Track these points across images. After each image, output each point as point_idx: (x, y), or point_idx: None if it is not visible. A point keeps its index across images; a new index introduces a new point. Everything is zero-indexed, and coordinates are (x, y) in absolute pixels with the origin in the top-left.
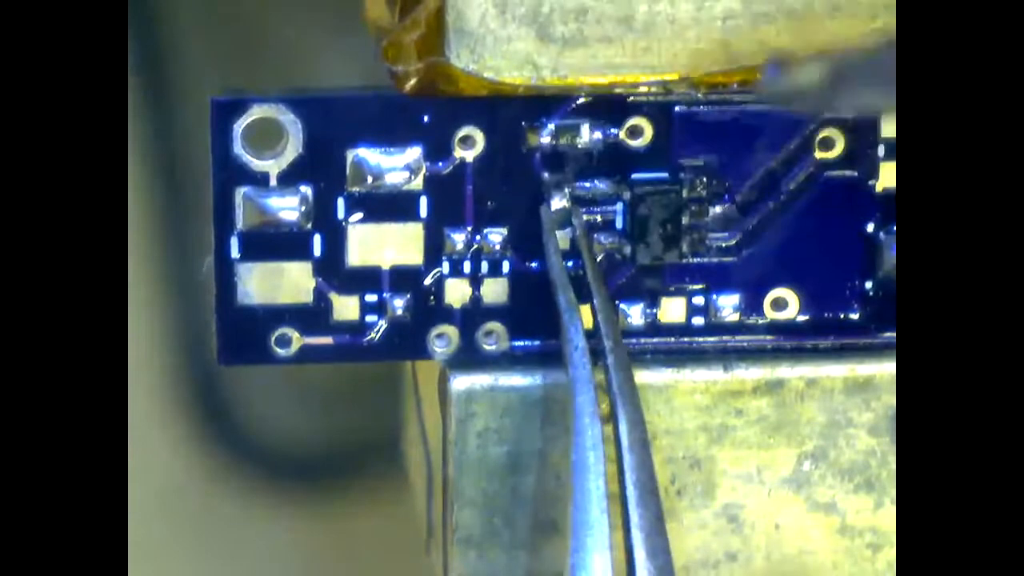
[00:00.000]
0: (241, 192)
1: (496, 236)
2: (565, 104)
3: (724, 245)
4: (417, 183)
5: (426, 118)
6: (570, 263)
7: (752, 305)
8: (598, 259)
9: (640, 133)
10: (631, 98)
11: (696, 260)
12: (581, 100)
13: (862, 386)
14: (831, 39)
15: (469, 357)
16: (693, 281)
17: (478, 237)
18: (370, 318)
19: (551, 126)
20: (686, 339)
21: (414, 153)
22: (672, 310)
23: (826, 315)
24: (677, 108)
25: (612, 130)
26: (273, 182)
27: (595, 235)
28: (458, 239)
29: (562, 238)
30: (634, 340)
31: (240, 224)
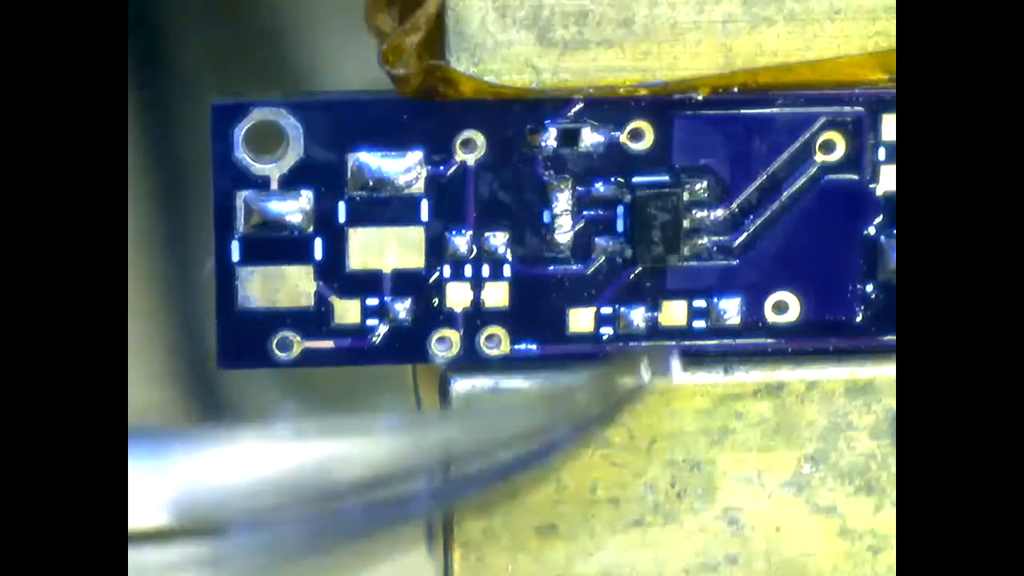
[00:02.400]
0: (242, 196)
1: (497, 239)
2: (566, 107)
3: (725, 248)
4: (418, 186)
5: (427, 121)
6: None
7: (753, 308)
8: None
9: (641, 136)
10: (632, 101)
11: (697, 263)
12: (581, 103)
13: (862, 389)
14: (831, 42)
15: (470, 361)
16: (694, 284)
17: (479, 240)
18: (371, 322)
19: (552, 129)
20: (687, 342)
21: (415, 156)
22: (673, 313)
23: (827, 318)
24: (678, 111)
25: (613, 133)
26: (274, 186)
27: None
28: (459, 242)
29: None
30: (635, 343)
31: (241, 228)
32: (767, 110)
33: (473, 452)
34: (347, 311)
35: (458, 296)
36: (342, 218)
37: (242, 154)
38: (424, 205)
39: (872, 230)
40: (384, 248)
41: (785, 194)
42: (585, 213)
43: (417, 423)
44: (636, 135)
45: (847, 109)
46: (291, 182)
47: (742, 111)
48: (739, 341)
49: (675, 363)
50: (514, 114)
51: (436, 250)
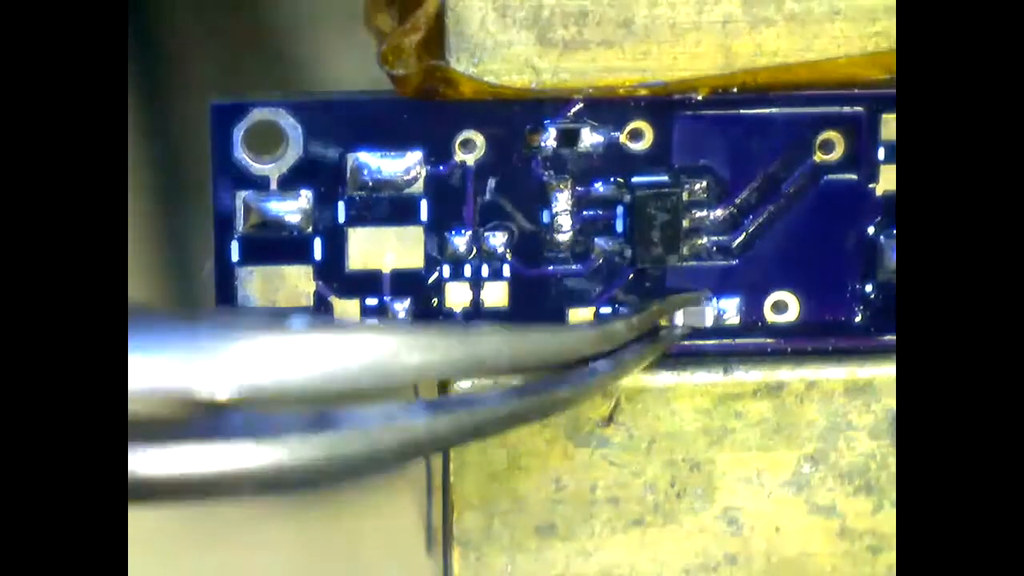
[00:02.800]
0: (241, 196)
1: (497, 239)
2: (565, 107)
3: (724, 248)
4: (418, 186)
5: (426, 122)
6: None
7: (752, 308)
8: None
9: (641, 136)
10: (631, 101)
11: (696, 263)
12: (581, 103)
13: (862, 389)
14: (831, 42)
15: None
16: (693, 284)
17: (479, 240)
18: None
19: (551, 129)
20: (686, 342)
21: (414, 157)
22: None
23: (826, 318)
24: (677, 111)
25: (613, 133)
26: (273, 186)
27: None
28: (459, 242)
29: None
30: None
31: (240, 228)
32: (767, 110)
33: (515, 365)
34: (346, 311)
35: (457, 296)
36: (341, 218)
37: (241, 154)
38: (423, 205)
39: (871, 230)
40: (383, 248)
41: (784, 194)
42: (584, 213)
43: (470, 331)
44: (636, 135)
45: (846, 109)
46: (290, 182)
47: (742, 111)
48: (738, 341)
49: (707, 309)
50: (514, 114)
51: (435, 250)
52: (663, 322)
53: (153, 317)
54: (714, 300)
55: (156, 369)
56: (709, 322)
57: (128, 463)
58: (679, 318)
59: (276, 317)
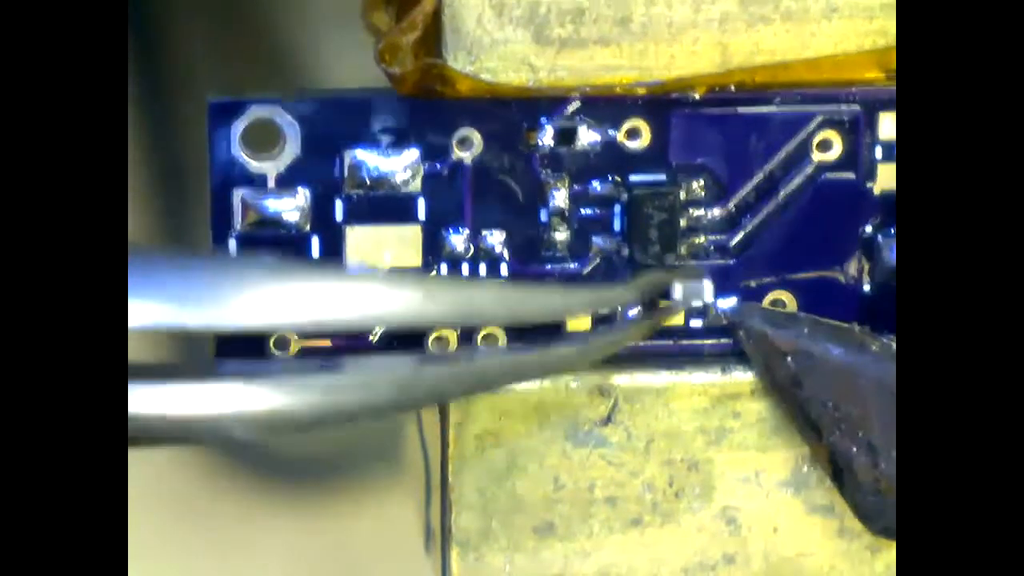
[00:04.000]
0: (239, 194)
1: (494, 238)
2: (562, 106)
3: (722, 247)
4: (415, 185)
5: (423, 120)
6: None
7: None
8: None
9: (638, 135)
10: (629, 100)
11: (694, 262)
12: (578, 102)
13: None
14: (828, 40)
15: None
16: None
17: (476, 239)
18: None
19: (549, 128)
20: (684, 341)
21: (412, 155)
22: None
23: (825, 318)
24: (675, 110)
25: (610, 131)
26: (271, 184)
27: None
28: (456, 241)
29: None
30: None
31: (238, 226)
32: (764, 109)
33: (513, 317)
34: None
35: None
36: (339, 216)
37: (239, 152)
38: (421, 203)
39: (869, 229)
40: (381, 246)
41: (782, 193)
42: (582, 212)
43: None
44: (633, 134)
45: (844, 108)
46: (288, 180)
47: (739, 110)
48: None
49: (706, 284)
50: (511, 112)
51: (433, 248)
52: (662, 303)
53: (157, 263)
54: (707, 279)
55: (157, 311)
56: (709, 298)
57: (128, 402)
58: (677, 292)
59: (282, 261)
